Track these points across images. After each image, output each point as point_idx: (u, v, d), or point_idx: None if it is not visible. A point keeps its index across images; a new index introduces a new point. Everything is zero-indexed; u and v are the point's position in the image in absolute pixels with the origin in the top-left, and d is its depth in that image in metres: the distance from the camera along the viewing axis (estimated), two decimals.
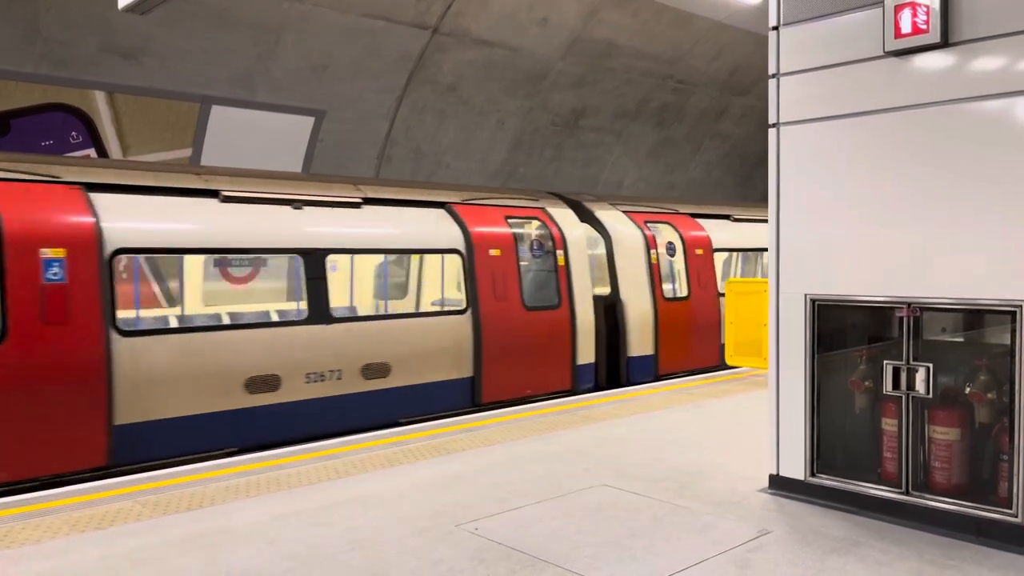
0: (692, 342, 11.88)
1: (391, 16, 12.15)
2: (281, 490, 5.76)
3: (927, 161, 4.80)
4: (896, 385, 4.95)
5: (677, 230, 12.04)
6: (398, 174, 14.22)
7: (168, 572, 4.33)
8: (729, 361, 9.69)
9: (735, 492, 5.57)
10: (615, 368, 11.14)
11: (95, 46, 10.41)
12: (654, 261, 11.40)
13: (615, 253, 11.13)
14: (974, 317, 5.01)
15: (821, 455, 5.37)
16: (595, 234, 11.35)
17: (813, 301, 5.32)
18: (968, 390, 4.84)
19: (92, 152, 11.11)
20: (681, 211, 12.64)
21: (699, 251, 12.13)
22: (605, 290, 11.28)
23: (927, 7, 4.66)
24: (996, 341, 4.77)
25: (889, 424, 5.05)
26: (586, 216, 11.26)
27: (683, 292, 12.04)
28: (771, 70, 5.48)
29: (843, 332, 5.46)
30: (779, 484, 5.53)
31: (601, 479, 5.90)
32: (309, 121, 12.87)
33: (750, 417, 7.80)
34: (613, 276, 11.08)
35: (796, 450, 5.42)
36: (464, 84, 14.03)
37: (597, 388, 10.55)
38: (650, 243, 11.49)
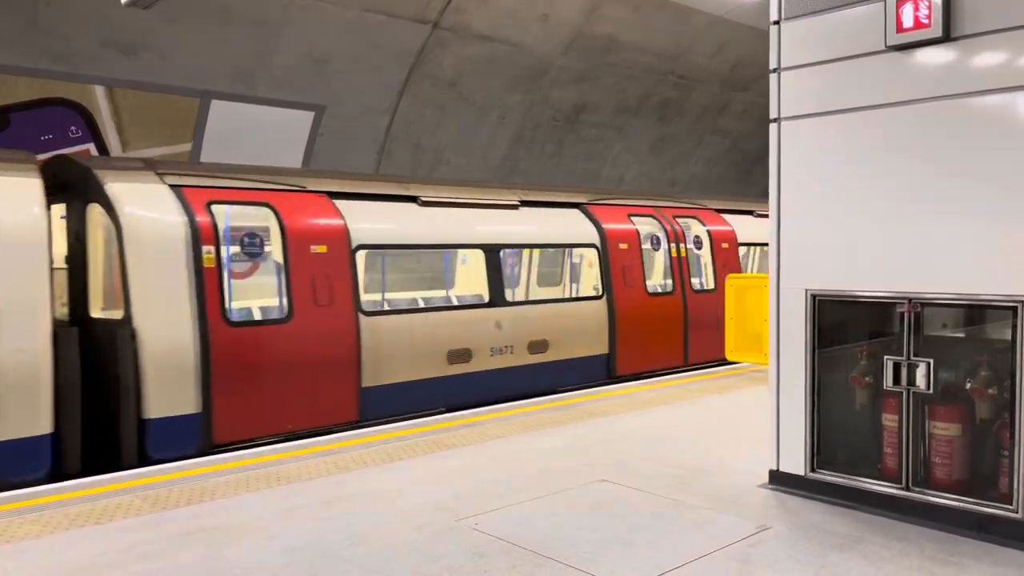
0: (292, 389, 7.78)
1: (391, 11, 12.13)
2: (281, 485, 5.76)
3: (928, 156, 4.78)
4: (897, 381, 4.94)
5: (277, 215, 8.01)
6: (398, 169, 14.21)
7: (168, 567, 4.33)
8: (729, 356, 9.68)
9: (735, 488, 5.56)
10: (116, 437, 7.05)
11: (95, 40, 10.39)
12: (209, 264, 7.44)
13: (127, 252, 7.08)
14: (975, 313, 5.00)
15: (821, 451, 5.36)
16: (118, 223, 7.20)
17: (814, 296, 5.31)
18: (969, 386, 4.82)
19: (91, 147, 11.10)
20: (310, 188, 8.55)
21: (319, 248, 8.16)
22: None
23: (929, 1, 4.64)
24: (997, 337, 4.76)
25: (890, 420, 5.04)
26: (97, 193, 7.32)
27: (279, 312, 8.19)
28: (772, 65, 5.46)
29: (844, 327, 5.45)
30: (779, 480, 5.53)
31: (601, 475, 5.90)
32: (309, 116, 12.86)
33: (750, 413, 7.80)
34: (125, 287, 7.06)
35: (796, 446, 5.41)
36: (465, 79, 14.01)
37: (62, 476, 6.52)
38: (203, 235, 7.43)
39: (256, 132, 12.39)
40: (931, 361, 4.83)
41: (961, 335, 5.25)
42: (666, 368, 11.56)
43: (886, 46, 4.88)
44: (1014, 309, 4.48)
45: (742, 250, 13.86)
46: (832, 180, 5.21)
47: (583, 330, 10.63)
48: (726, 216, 13.36)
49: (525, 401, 8.80)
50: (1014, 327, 4.49)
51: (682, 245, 12.18)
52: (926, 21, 4.67)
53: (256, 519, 5.05)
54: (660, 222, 12.11)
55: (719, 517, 5.00)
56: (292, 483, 5.80)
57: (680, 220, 12.50)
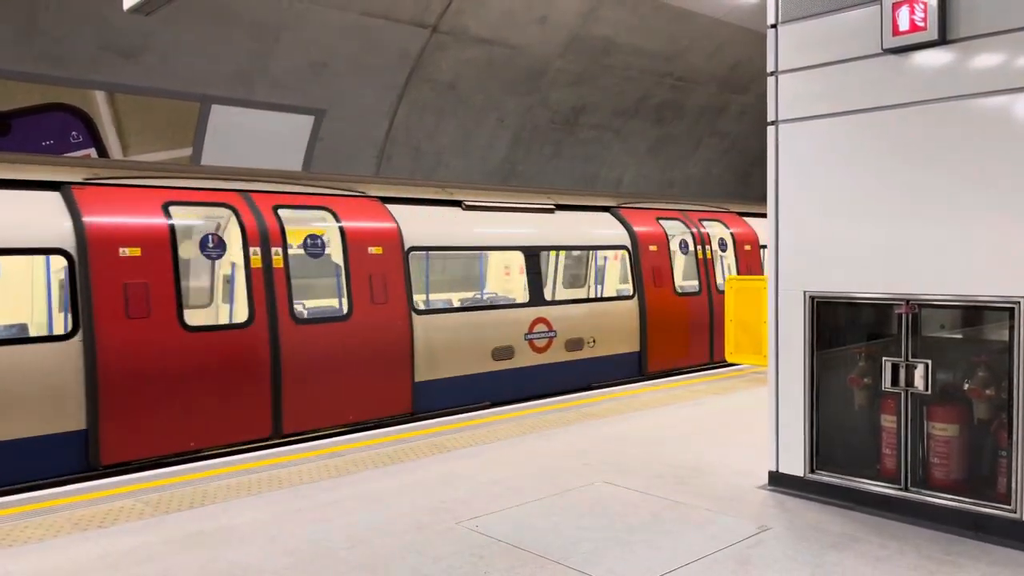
0: None
1: (390, 14, 12.16)
2: (281, 488, 5.78)
3: (925, 158, 4.81)
4: (895, 381, 4.96)
5: None
6: (398, 172, 14.24)
7: (169, 569, 4.35)
8: (729, 358, 9.72)
9: (734, 488, 5.58)
10: None
11: (95, 44, 10.41)
12: None
13: None
14: (972, 313, 5.03)
15: (820, 451, 5.38)
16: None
17: (812, 298, 5.33)
18: (967, 386, 4.85)
19: (92, 152, 11.13)
20: None
21: None
22: None
23: (925, 4, 4.66)
24: (995, 337, 4.78)
25: (888, 420, 5.06)
26: None
27: None
28: (769, 68, 5.49)
29: (842, 329, 5.47)
30: (778, 480, 5.55)
31: (600, 475, 5.92)
32: (309, 120, 12.88)
33: (750, 414, 7.81)
34: None
35: (795, 447, 5.43)
36: (463, 82, 14.04)
37: None
38: None
39: (257, 137, 12.41)
40: (929, 362, 4.85)
41: (959, 336, 5.28)
42: (234, 443, 7.58)
43: (882, 49, 4.90)
44: (1011, 310, 4.50)
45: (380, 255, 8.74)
46: (830, 182, 5.24)
47: (24, 395, 6.52)
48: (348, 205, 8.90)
49: (525, 404, 8.83)
50: (1011, 328, 4.51)
51: (277, 249, 8.07)
52: (922, 24, 4.69)
53: (256, 522, 5.07)
54: (239, 214, 7.93)
55: (718, 518, 5.02)
56: (293, 486, 5.82)
57: (296, 211, 8.52)
